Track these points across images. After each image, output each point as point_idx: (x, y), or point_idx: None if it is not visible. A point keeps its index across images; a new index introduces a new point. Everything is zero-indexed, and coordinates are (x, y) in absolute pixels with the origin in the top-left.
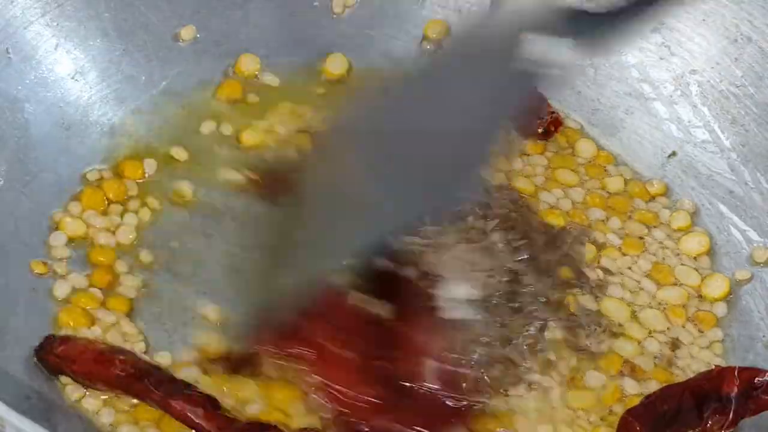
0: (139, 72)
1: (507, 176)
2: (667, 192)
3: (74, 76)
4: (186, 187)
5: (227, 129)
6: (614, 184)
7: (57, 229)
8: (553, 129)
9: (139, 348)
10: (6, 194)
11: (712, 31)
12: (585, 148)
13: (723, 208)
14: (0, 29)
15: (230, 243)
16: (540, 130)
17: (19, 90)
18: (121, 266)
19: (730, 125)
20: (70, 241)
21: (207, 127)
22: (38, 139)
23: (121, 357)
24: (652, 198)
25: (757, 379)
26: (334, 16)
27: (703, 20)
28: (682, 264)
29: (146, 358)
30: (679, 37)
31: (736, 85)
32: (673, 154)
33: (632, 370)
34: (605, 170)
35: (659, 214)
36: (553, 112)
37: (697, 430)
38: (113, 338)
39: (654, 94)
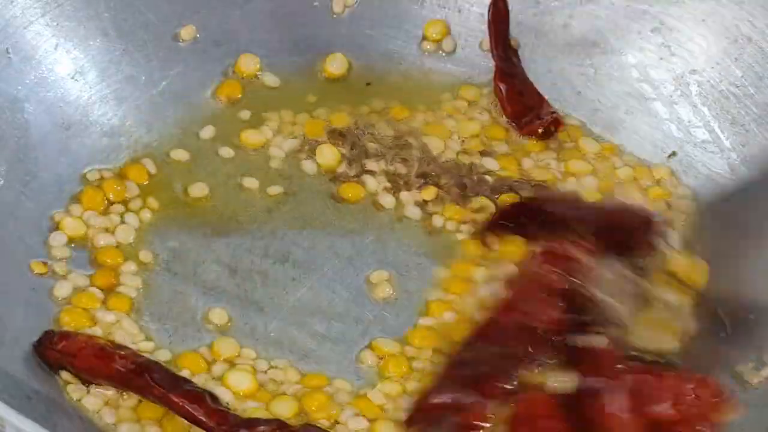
0: (139, 72)
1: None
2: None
3: (74, 76)
4: (189, 188)
5: (227, 130)
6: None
7: (57, 229)
8: (553, 129)
9: (145, 347)
10: (6, 194)
11: (712, 31)
12: (588, 143)
13: None
14: (0, 29)
15: (231, 245)
16: (540, 130)
17: (19, 90)
18: (123, 266)
19: (730, 125)
20: (70, 241)
21: (207, 128)
22: (38, 139)
23: (122, 353)
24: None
25: None
26: (334, 16)
27: (703, 20)
28: None
29: (147, 354)
30: (679, 37)
31: (736, 85)
32: (673, 154)
33: None
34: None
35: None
36: (553, 112)
37: None
38: (115, 338)
39: (654, 94)
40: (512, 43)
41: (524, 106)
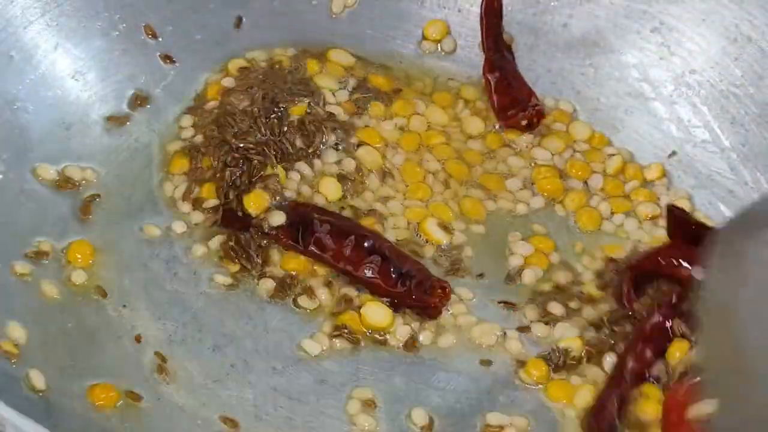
0: (139, 71)
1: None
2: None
3: (74, 76)
4: None
5: None
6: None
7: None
8: (535, 121)
9: None
10: (5, 193)
11: (711, 31)
12: (580, 131)
13: (723, 208)
14: (0, 29)
15: None
16: (524, 122)
17: (20, 90)
18: None
19: (730, 125)
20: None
21: None
22: (38, 138)
23: None
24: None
25: None
26: (334, 16)
27: (703, 20)
28: None
29: None
30: (678, 37)
31: (735, 85)
32: (673, 153)
33: None
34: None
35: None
36: (536, 105)
37: None
38: None
39: (654, 94)
40: (506, 38)
41: (512, 99)
